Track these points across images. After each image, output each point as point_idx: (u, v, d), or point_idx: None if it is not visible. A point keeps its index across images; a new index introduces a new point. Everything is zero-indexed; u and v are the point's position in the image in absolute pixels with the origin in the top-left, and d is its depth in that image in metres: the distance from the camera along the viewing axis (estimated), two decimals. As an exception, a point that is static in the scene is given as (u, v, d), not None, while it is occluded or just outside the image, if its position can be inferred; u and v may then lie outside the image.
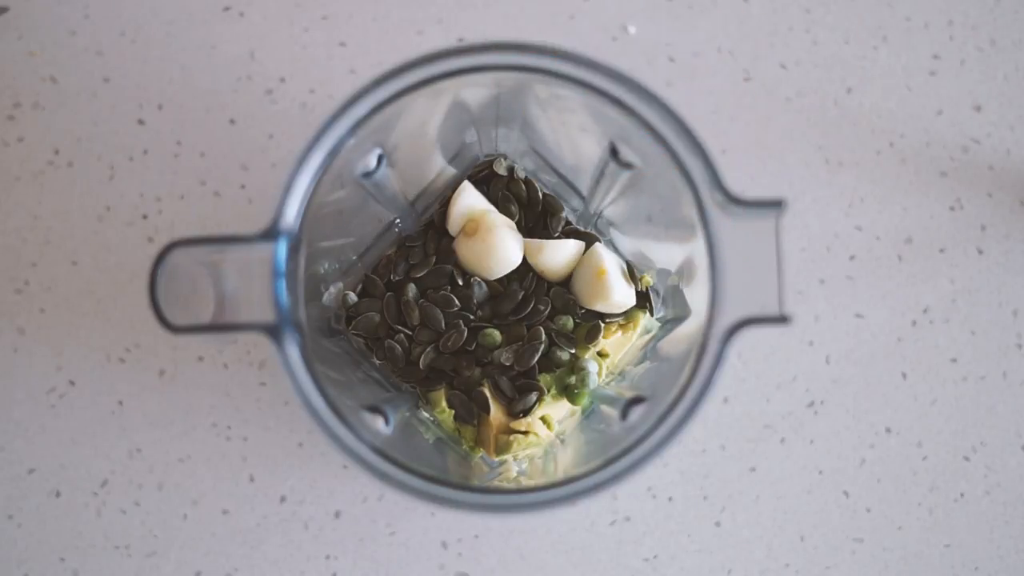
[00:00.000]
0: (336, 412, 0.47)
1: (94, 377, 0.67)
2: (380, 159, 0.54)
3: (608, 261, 0.61)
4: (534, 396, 0.61)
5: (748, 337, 0.50)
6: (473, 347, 0.62)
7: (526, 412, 0.61)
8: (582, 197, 0.62)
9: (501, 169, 0.63)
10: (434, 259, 0.63)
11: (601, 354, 0.63)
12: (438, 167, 0.61)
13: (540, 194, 0.63)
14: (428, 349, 0.62)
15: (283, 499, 0.67)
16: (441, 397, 0.62)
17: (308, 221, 0.48)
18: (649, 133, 0.47)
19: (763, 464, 0.68)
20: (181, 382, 0.67)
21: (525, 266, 0.62)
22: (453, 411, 0.62)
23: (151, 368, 0.68)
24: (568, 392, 0.62)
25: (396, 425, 0.56)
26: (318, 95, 0.68)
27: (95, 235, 0.68)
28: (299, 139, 0.48)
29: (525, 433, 0.61)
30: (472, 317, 0.62)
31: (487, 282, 0.63)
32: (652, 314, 0.63)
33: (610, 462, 0.48)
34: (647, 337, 0.63)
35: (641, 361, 0.62)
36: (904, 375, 0.68)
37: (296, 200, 0.47)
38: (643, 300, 0.63)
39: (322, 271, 0.60)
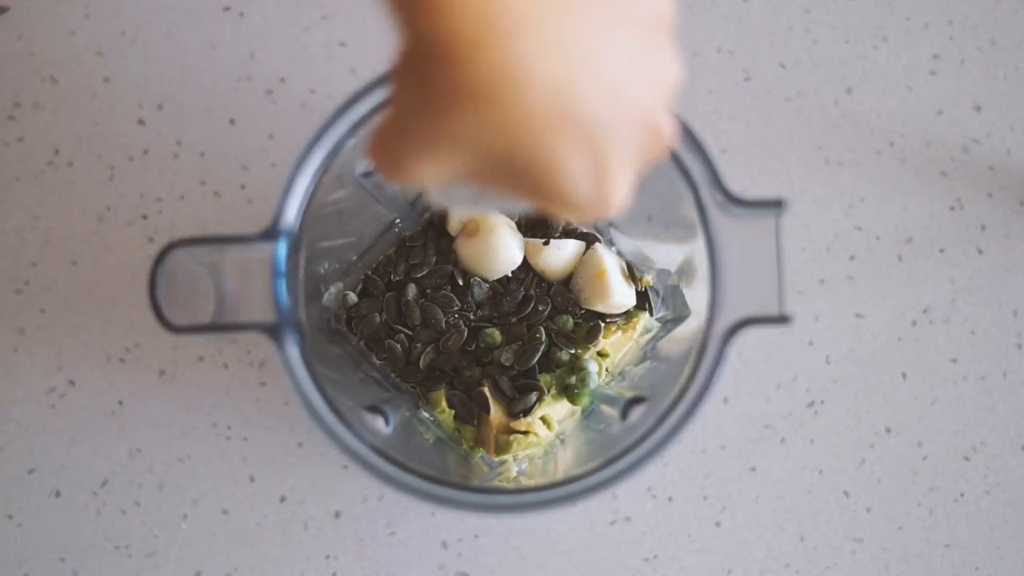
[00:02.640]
0: (336, 412, 0.47)
1: (94, 377, 0.67)
2: (380, 159, 0.53)
3: (608, 261, 0.62)
4: (534, 396, 0.61)
5: (748, 337, 0.50)
6: (473, 347, 0.62)
7: (526, 412, 0.61)
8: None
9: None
10: (434, 259, 0.63)
11: (601, 354, 0.63)
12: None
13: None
14: (428, 349, 0.62)
15: (283, 499, 0.67)
16: (441, 397, 0.62)
17: (308, 221, 0.48)
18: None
19: (763, 464, 0.68)
20: (181, 382, 0.67)
21: (525, 266, 0.62)
22: (453, 411, 0.62)
23: (151, 368, 0.67)
24: (568, 392, 0.62)
25: (396, 425, 0.56)
26: (318, 95, 0.68)
27: (95, 235, 0.68)
28: (299, 139, 0.48)
29: (525, 433, 0.61)
30: (472, 317, 0.62)
31: (487, 282, 0.63)
32: (652, 314, 0.63)
33: (610, 462, 0.48)
34: (647, 337, 0.63)
35: (641, 361, 0.62)
36: (904, 375, 0.68)
37: (296, 200, 0.47)
38: (643, 300, 0.63)
39: (322, 271, 0.60)
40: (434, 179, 0.36)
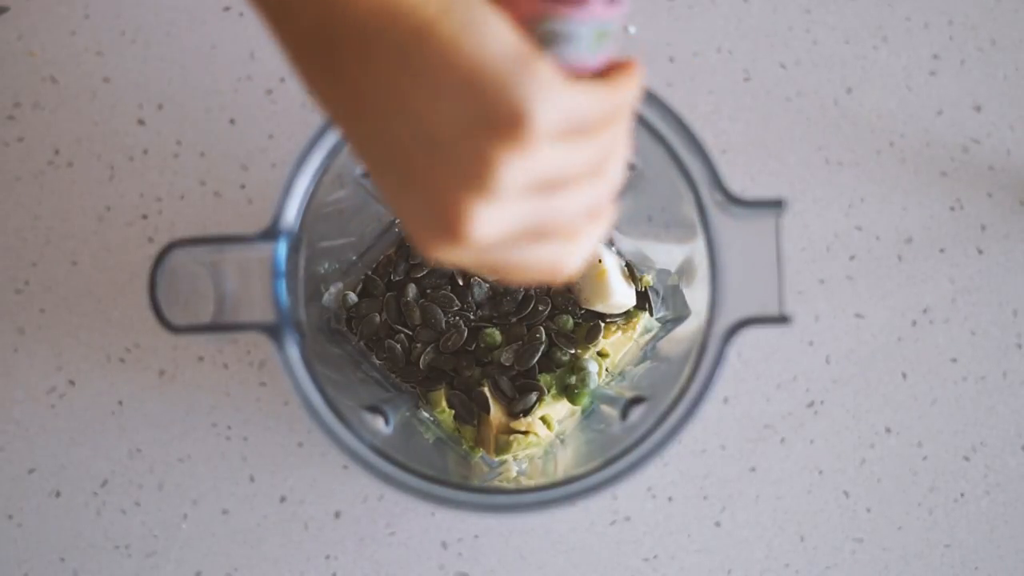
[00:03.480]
0: (336, 412, 0.47)
1: (94, 377, 0.67)
2: (380, 159, 0.53)
3: (608, 261, 0.62)
4: (534, 396, 0.61)
5: (748, 337, 0.50)
6: (473, 347, 0.62)
7: (526, 412, 0.61)
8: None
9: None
10: (434, 259, 0.63)
11: (601, 354, 0.63)
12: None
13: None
14: (428, 349, 0.62)
15: (283, 499, 0.67)
16: (441, 397, 0.62)
17: (308, 221, 0.48)
18: (649, 133, 0.47)
19: (763, 464, 0.68)
20: (181, 382, 0.67)
21: (525, 266, 0.62)
22: (453, 411, 0.62)
23: (151, 368, 0.67)
24: (568, 392, 0.62)
25: (396, 425, 0.56)
26: (318, 95, 0.68)
27: (95, 235, 0.68)
28: (299, 139, 0.48)
29: (525, 433, 0.61)
30: (472, 317, 0.62)
31: (487, 282, 0.63)
32: (652, 314, 0.63)
33: (610, 462, 0.48)
34: (647, 337, 0.63)
35: (641, 361, 0.62)
36: (904, 375, 0.68)
37: (296, 200, 0.47)
38: (643, 300, 0.63)
39: (322, 271, 0.60)
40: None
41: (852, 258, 0.68)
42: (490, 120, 0.33)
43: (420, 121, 0.34)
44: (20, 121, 0.68)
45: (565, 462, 0.57)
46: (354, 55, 0.34)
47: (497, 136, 0.33)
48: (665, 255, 0.60)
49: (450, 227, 0.35)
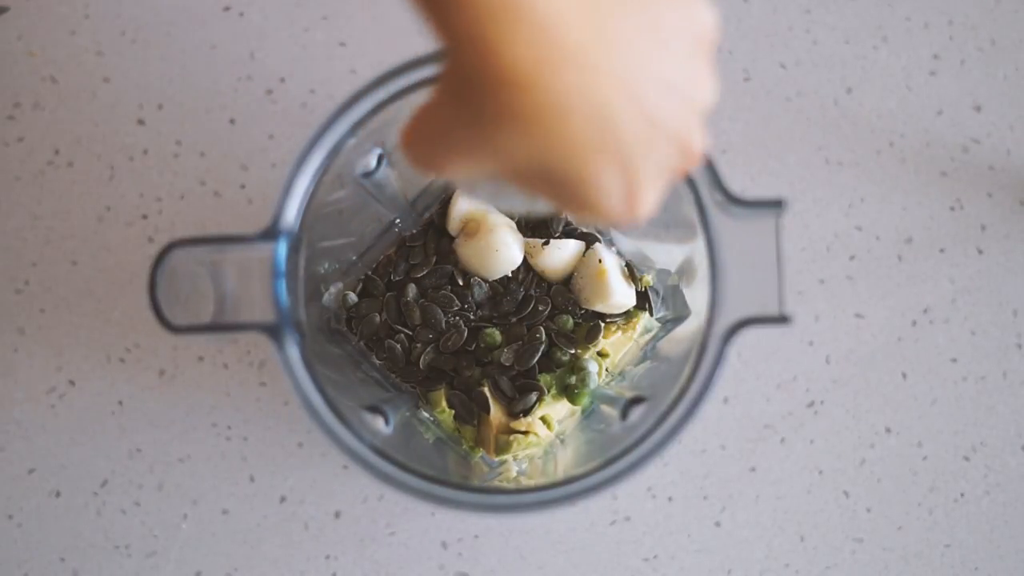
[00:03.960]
0: (336, 412, 0.47)
1: (94, 377, 0.67)
2: (380, 159, 0.54)
3: (608, 261, 0.62)
4: (534, 396, 0.61)
5: (748, 337, 0.50)
6: (473, 347, 0.62)
7: (526, 412, 0.61)
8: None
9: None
10: (434, 259, 0.63)
11: (601, 354, 0.63)
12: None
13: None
14: (428, 349, 0.62)
15: (283, 499, 0.67)
16: (441, 397, 0.62)
17: (308, 221, 0.48)
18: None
19: (763, 464, 0.68)
20: (181, 382, 0.67)
21: (525, 266, 0.62)
22: (453, 411, 0.62)
23: (151, 368, 0.67)
24: (568, 392, 0.62)
25: (396, 425, 0.56)
26: (318, 95, 0.68)
27: (95, 235, 0.68)
28: (299, 139, 0.48)
29: (525, 433, 0.61)
30: (472, 317, 0.62)
31: (487, 282, 0.63)
32: (652, 314, 0.63)
33: (610, 462, 0.48)
34: (647, 337, 0.63)
35: (641, 361, 0.62)
36: (904, 375, 0.68)
37: (296, 200, 0.47)
38: (643, 300, 0.63)
39: (322, 271, 0.60)
40: (464, 176, 0.37)
41: (852, 258, 0.68)
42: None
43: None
44: (20, 121, 0.68)
45: (565, 462, 0.57)
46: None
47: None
48: (665, 255, 0.60)
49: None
